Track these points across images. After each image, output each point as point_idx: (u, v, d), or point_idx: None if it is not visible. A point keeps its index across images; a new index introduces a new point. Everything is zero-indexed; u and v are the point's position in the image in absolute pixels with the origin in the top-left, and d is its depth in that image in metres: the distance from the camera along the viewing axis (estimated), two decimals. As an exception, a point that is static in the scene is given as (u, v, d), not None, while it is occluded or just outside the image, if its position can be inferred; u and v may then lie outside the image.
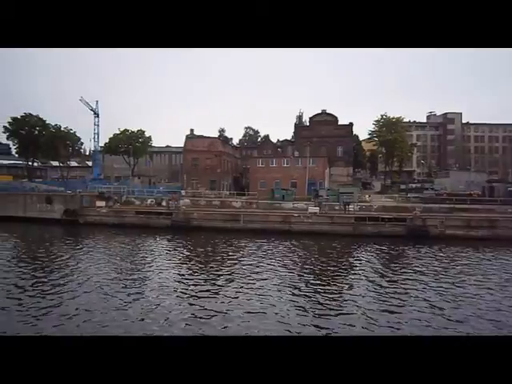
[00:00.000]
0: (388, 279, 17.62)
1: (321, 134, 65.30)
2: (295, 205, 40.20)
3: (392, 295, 14.94)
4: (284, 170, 58.59)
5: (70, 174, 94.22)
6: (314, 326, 11.78)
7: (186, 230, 32.94)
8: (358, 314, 12.76)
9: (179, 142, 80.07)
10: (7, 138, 60.56)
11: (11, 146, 69.14)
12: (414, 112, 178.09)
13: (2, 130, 60.08)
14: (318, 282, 17.08)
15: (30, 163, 65.73)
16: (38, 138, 60.92)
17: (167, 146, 78.73)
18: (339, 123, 67.45)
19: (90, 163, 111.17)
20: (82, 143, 61.50)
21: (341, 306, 13.69)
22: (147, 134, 61.77)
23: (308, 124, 69.03)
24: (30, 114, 61.26)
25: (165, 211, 36.05)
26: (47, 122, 61.66)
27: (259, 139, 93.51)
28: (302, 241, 28.43)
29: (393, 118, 64.92)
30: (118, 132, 60.55)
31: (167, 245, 27.22)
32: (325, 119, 67.64)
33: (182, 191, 49.54)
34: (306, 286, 16.18)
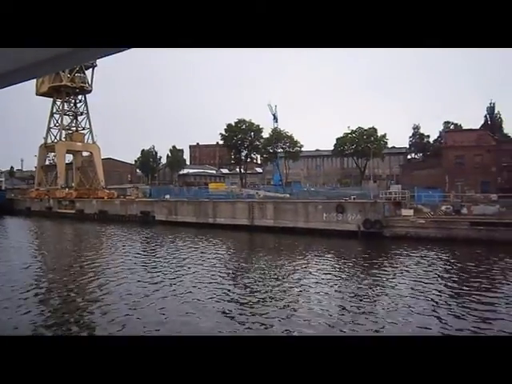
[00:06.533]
0: None
1: None
2: None
3: None
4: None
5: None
6: None
7: None
8: None
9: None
10: (222, 146, 58.87)
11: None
12: None
13: (219, 137, 58.66)
14: None
15: (242, 170, 63.54)
16: (252, 142, 58.08)
17: (393, 147, 69.08)
18: None
19: (258, 169, 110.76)
20: (301, 146, 56.70)
21: None
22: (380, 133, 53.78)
23: None
24: (244, 119, 58.86)
25: (520, 222, 27.00)
26: (261, 127, 58.46)
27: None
28: None
29: None
30: (348, 131, 54.20)
31: None
32: None
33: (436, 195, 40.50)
34: None
